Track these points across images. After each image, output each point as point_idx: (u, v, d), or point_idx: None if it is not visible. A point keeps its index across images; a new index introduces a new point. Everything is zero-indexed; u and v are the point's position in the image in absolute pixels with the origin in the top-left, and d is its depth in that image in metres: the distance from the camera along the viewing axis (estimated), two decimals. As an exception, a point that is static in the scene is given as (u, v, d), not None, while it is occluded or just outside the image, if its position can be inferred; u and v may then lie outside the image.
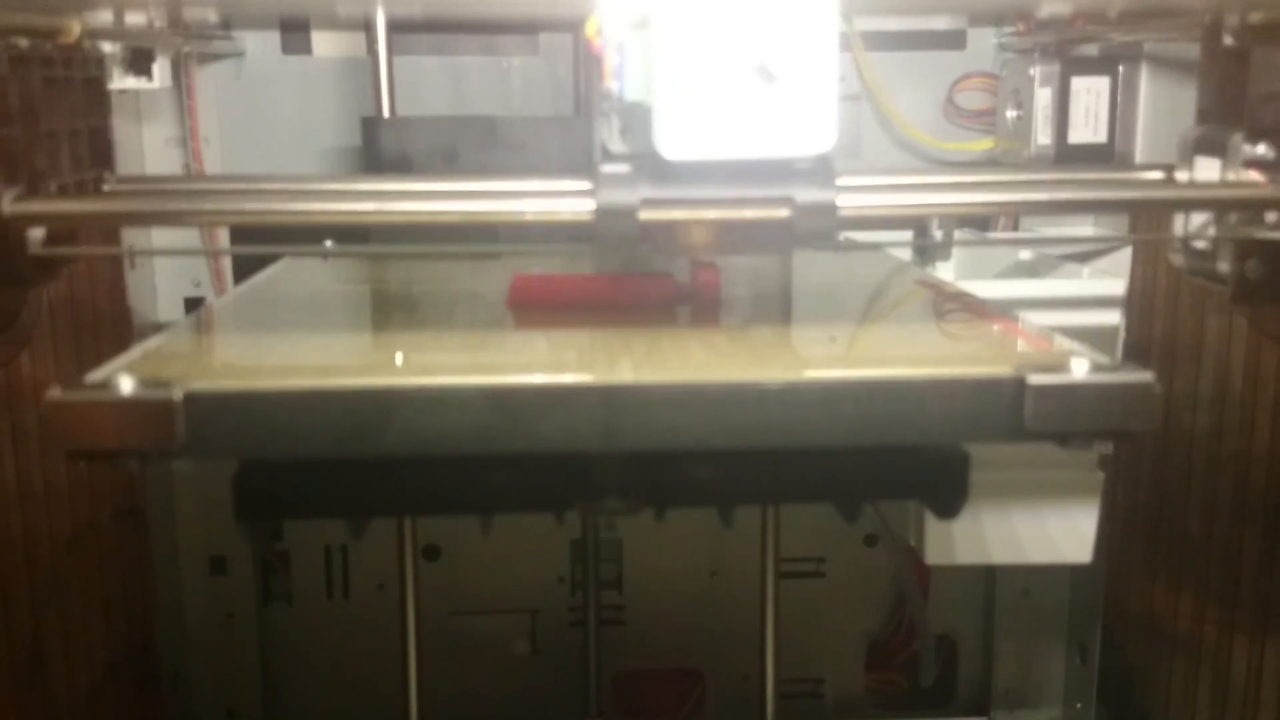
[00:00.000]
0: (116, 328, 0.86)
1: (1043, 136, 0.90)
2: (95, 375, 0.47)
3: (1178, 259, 0.67)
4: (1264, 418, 0.75)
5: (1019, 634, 1.02)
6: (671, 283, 0.65)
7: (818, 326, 0.62)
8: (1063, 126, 0.90)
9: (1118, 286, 0.85)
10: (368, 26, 0.90)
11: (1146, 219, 0.83)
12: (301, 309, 0.69)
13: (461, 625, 0.99)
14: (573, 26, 0.94)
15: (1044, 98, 0.90)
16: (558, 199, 0.55)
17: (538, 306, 0.65)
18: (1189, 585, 0.85)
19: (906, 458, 0.54)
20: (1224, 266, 0.63)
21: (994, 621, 1.02)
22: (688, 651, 1.01)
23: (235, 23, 0.93)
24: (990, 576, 1.02)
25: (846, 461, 0.54)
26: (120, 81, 0.81)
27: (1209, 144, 0.63)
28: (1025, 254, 0.91)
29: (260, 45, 0.94)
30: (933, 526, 0.69)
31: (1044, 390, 0.47)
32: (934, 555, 0.69)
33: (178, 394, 0.45)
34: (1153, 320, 0.89)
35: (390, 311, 0.71)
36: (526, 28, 0.95)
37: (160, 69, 0.84)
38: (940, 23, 0.97)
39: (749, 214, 0.53)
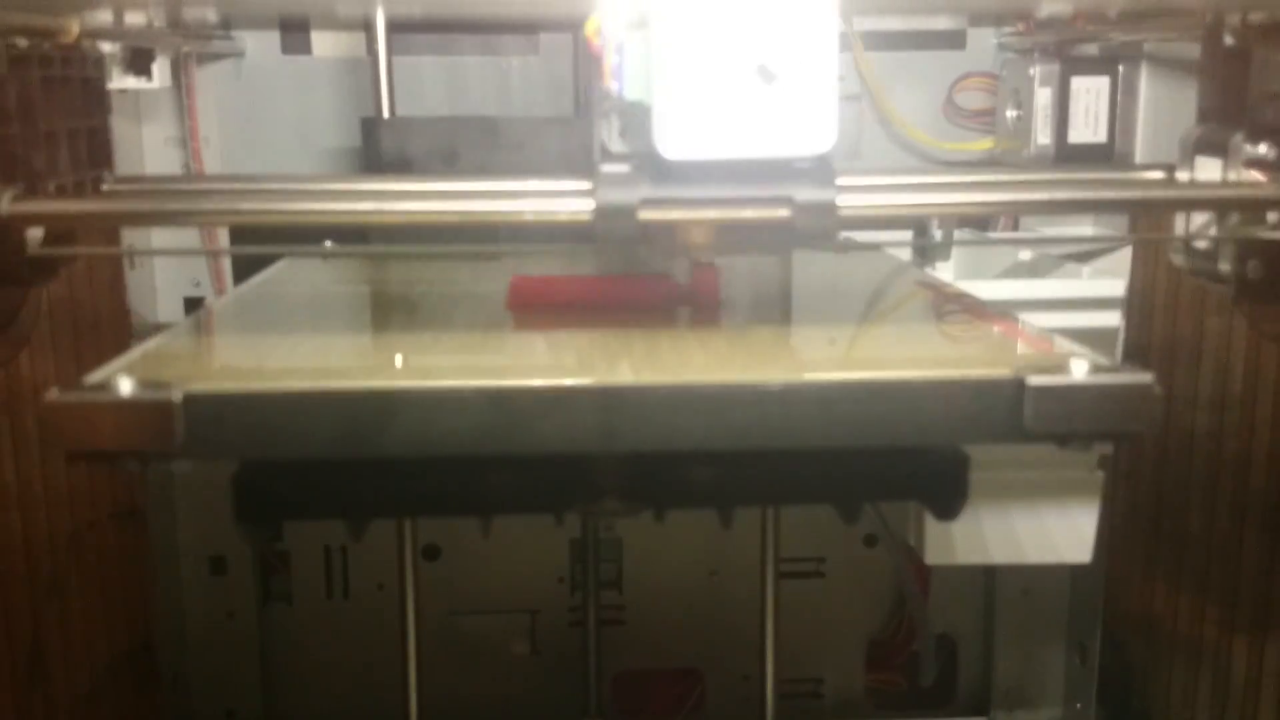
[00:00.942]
0: (116, 328, 0.86)
1: (1043, 136, 0.90)
2: (94, 376, 0.47)
3: (1179, 259, 0.67)
4: (1264, 418, 0.75)
5: (1019, 634, 1.02)
6: (670, 283, 0.65)
7: (817, 327, 0.62)
8: (1063, 126, 0.90)
9: (1118, 286, 0.85)
10: (367, 26, 0.90)
11: (1146, 219, 0.83)
12: (301, 310, 0.69)
13: (461, 625, 0.99)
14: (573, 26, 0.94)
15: (1044, 97, 0.90)
16: (558, 199, 0.55)
17: (537, 307, 0.65)
18: (1189, 585, 0.85)
19: (906, 459, 0.55)
20: (1225, 266, 0.63)
21: (994, 621, 1.02)
22: (688, 651, 1.01)
23: (235, 23, 0.93)
24: (990, 576, 1.02)
25: (846, 463, 0.54)
26: (120, 81, 0.81)
27: (1210, 144, 0.63)
28: (1025, 254, 0.91)
29: (260, 45, 0.94)
30: (932, 526, 0.69)
31: (1043, 391, 0.47)
32: (934, 555, 0.69)
33: (177, 395, 0.45)
34: (1153, 320, 0.89)
35: (389, 312, 0.71)
36: (526, 28, 0.95)
37: (160, 69, 0.84)
38: (940, 23, 0.97)
39: (749, 214, 0.53)
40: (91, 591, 0.82)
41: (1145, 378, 0.48)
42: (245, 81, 0.94)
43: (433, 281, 0.74)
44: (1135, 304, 0.89)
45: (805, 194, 0.52)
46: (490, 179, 0.58)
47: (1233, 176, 0.61)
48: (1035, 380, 0.47)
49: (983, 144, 0.98)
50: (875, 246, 0.85)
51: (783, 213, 0.53)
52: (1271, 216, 0.59)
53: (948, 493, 0.56)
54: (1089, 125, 0.90)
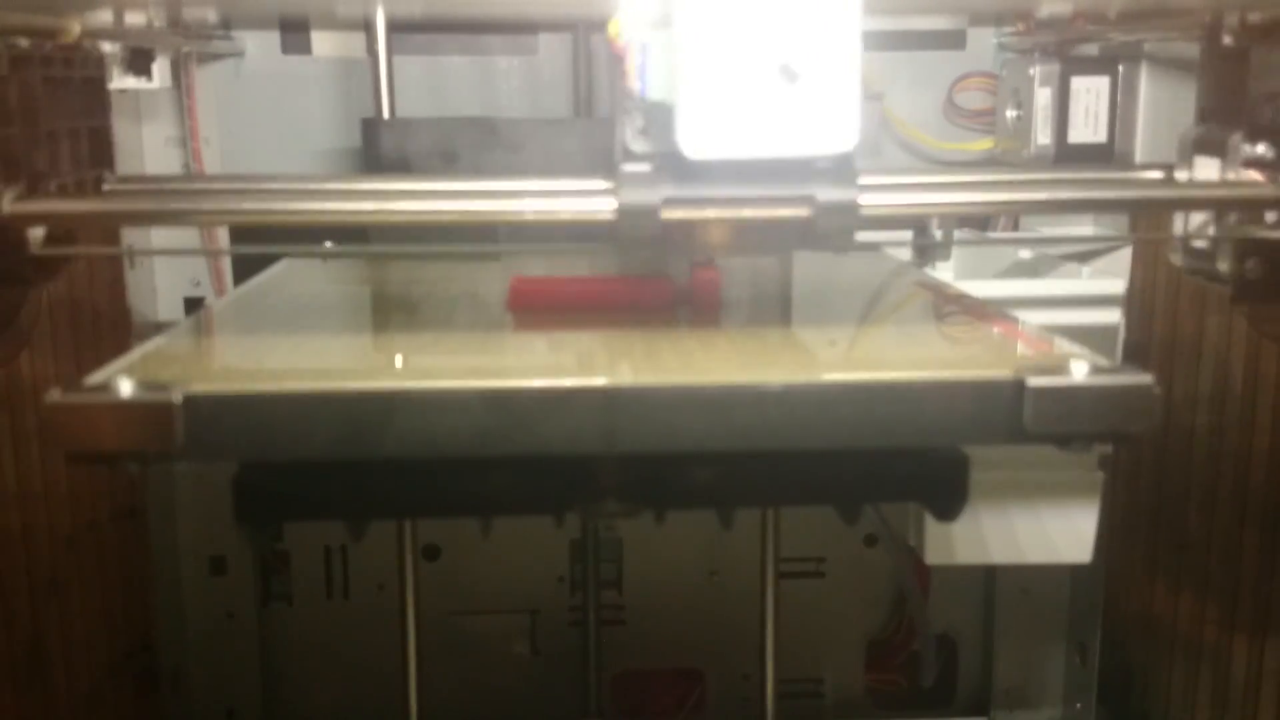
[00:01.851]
0: (116, 327, 0.86)
1: (1042, 136, 0.90)
2: (95, 377, 0.47)
3: (1177, 259, 0.67)
4: (1264, 418, 0.75)
5: (1019, 634, 1.02)
6: (671, 284, 0.65)
7: (817, 328, 0.62)
8: (1062, 126, 0.90)
9: (1117, 286, 0.85)
10: (367, 26, 0.90)
11: (1145, 219, 0.83)
12: (301, 310, 0.69)
13: (461, 625, 0.99)
14: (572, 26, 0.94)
15: (1044, 97, 0.90)
16: (579, 199, 0.55)
17: (537, 308, 0.65)
18: (1189, 585, 0.85)
19: (906, 460, 0.55)
20: (1224, 266, 0.63)
21: (994, 621, 1.02)
22: (688, 651, 1.01)
23: (235, 22, 0.93)
24: (990, 576, 1.02)
25: (846, 464, 0.54)
26: (120, 81, 0.81)
27: (1209, 144, 0.63)
28: (1025, 254, 0.91)
29: (260, 45, 0.94)
30: (933, 526, 0.69)
31: (1043, 392, 0.47)
32: (934, 555, 0.69)
33: (177, 396, 0.45)
34: (1152, 320, 0.89)
35: (390, 313, 0.71)
36: (526, 28, 0.94)
37: (160, 69, 0.84)
38: (940, 22, 0.97)
39: (772, 213, 0.53)
40: (91, 591, 0.82)
41: (1145, 379, 0.48)
42: (245, 81, 0.94)
43: (433, 282, 0.74)
44: (1135, 304, 0.89)
45: (828, 194, 0.52)
46: (509, 179, 0.57)
47: (1231, 176, 0.61)
48: (1035, 381, 0.47)
49: (982, 144, 0.98)
50: (875, 246, 0.85)
51: (806, 212, 0.52)
52: (1270, 216, 0.59)
53: (948, 494, 0.56)
54: (1089, 125, 0.90)
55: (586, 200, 0.54)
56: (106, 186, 0.68)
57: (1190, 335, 0.84)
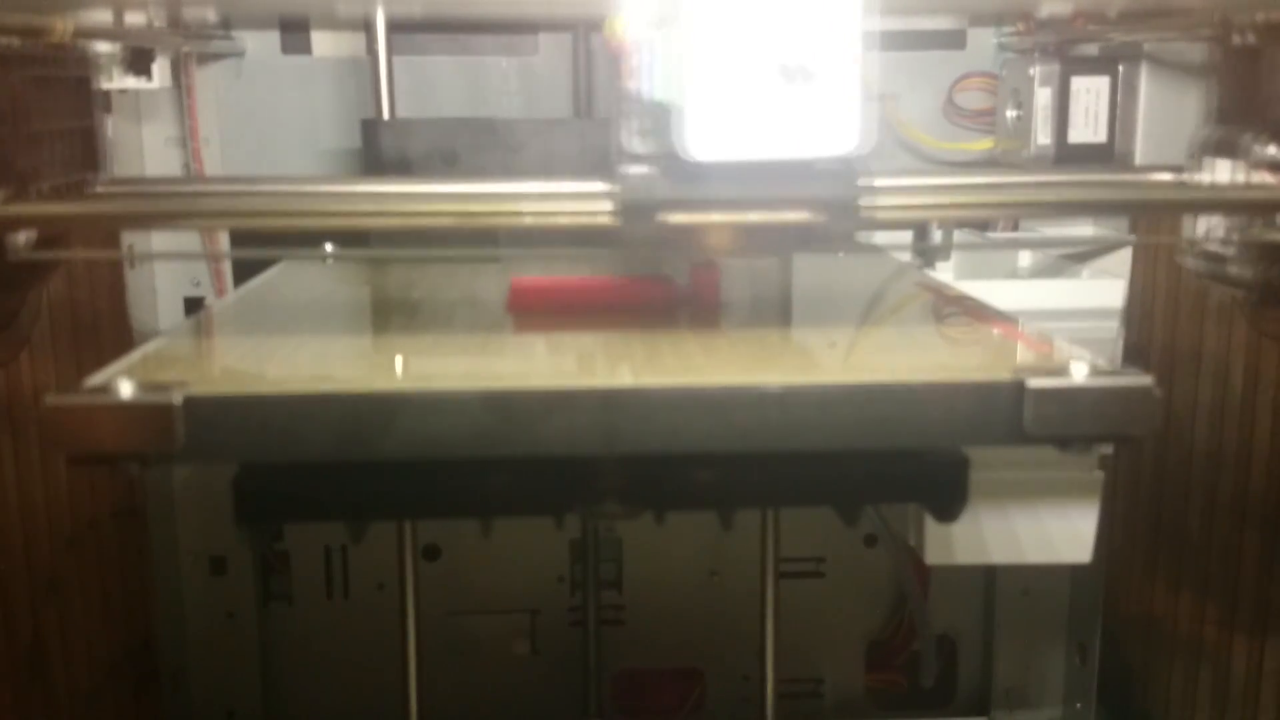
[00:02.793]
0: (116, 327, 0.86)
1: (1043, 136, 0.90)
2: (95, 379, 0.47)
3: (1190, 262, 0.66)
4: (1264, 418, 0.75)
5: (1019, 634, 1.02)
6: (671, 285, 0.65)
7: (817, 329, 0.62)
8: (1063, 126, 0.90)
9: (1118, 288, 0.85)
10: (367, 27, 0.90)
11: (1158, 221, 0.83)
12: (302, 312, 0.69)
13: (461, 625, 0.99)
14: (573, 26, 0.94)
15: (1044, 97, 0.90)
16: (580, 201, 0.54)
17: (537, 310, 0.65)
18: (1189, 585, 0.85)
19: (906, 462, 0.54)
20: (1238, 270, 0.62)
21: (994, 621, 1.02)
22: (688, 651, 1.01)
23: (235, 22, 0.93)
24: (990, 576, 1.02)
25: (846, 465, 0.54)
26: (120, 81, 0.81)
27: (1222, 145, 0.62)
28: (1026, 255, 0.91)
29: (260, 45, 0.94)
30: (932, 527, 0.69)
31: (1043, 394, 0.47)
32: (934, 555, 0.69)
33: (177, 398, 0.45)
34: (1153, 321, 0.89)
35: (390, 315, 0.71)
36: (526, 28, 0.94)
37: (160, 69, 0.84)
38: (940, 22, 0.97)
39: (775, 217, 0.52)
40: (91, 591, 0.82)
41: (1145, 381, 0.48)
42: (245, 81, 0.94)
43: (433, 283, 0.74)
44: (1135, 306, 0.89)
45: (832, 195, 0.52)
46: (508, 181, 0.57)
47: (1245, 178, 0.60)
48: (1035, 383, 0.47)
49: (982, 144, 0.98)
50: (876, 248, 0.85)
51: (810, 215, 0.52)
52: (1284, 220, 0.59)
53: (948, 495, 0.56)
54: (1089, 125, 0.90)
55: (587, 203, 0.54)
56: (97, 189, 0.68)
57: (1190, 336, 0.83)
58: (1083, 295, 0.86)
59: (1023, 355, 0.56)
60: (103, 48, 0.78)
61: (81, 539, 0.80)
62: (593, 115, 0.94)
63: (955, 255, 0.83)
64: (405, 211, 0.56)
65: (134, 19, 0.78)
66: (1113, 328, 0.84)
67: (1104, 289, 0.87)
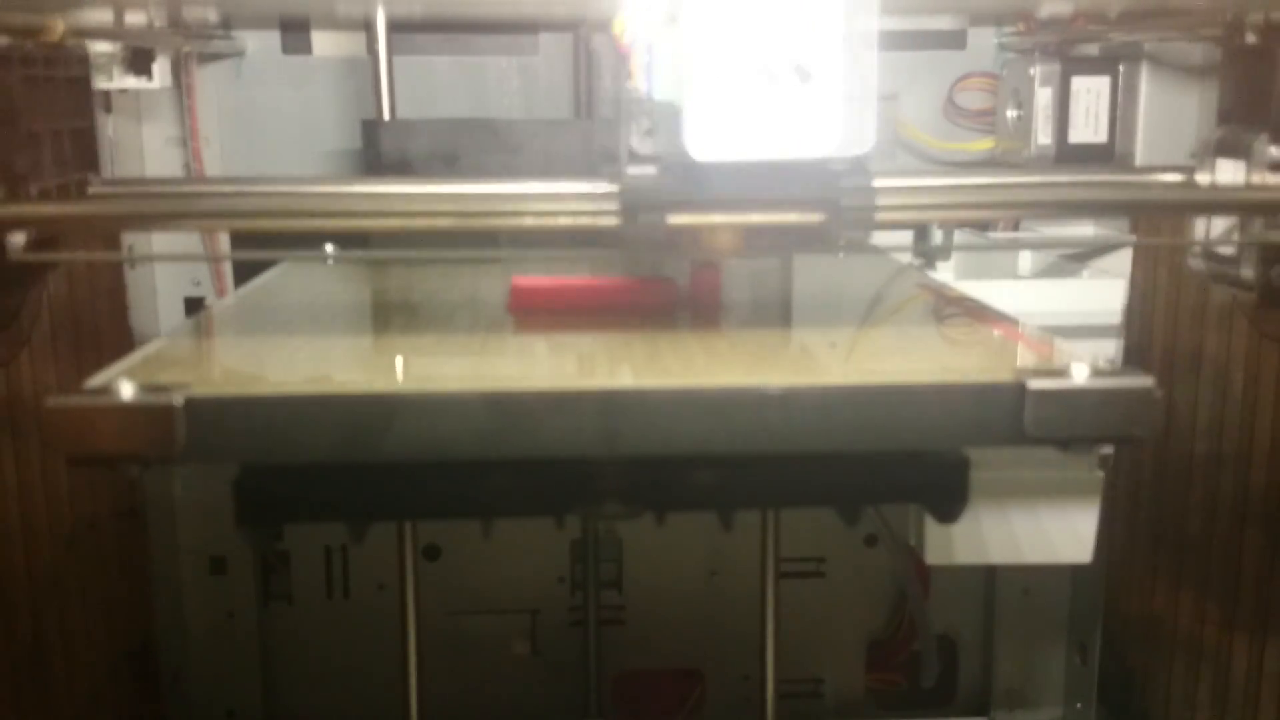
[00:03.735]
0: (116, 328, 0.86)
1: (1043, 136, 0.90)
2: (95, 380, 0.47)
3: (1196, 264, 0.66)
4: (1264, 419, 0.75)
5: (1019, 634, 1.02)
6: (672, 286, 0.65)
7: (818, 331, 0.62)
8: (1063, 126, 0.90)
9: (1118, 288, 0.85)
10: (368, 27, 0.90)
11: (1147, 221, 0.83)
12: (302, 313, 0.69)
13: (461, 625, 0.99)
14: (573, 26, 0.94)
15: (1044, 97, 0.90)
16: (583, 202, 0.54)
17: (538, 310, 0.65)
18: (1189, 586, 0.85)
19: (906, 463, 0.54)
20: (1247, 272, 0.62)
21: (994, 621, 1.02)
22: (688, 651, 1.01)
23: (235, 22, 0.93)
24: (990, 576, 1.02)
25: (847, 466, 0.54)
26: (120, 81, 0.81)
27: (1231, 146, 0.61)
28: (1026, 256, 0.91)
29: (260, 45, 0.94)
30: (933, 527, 0.69)
31: (1044, 395, 0.47)
32: (934, 555, 0.68)
33: (178, 399, 0.45)
34: (1153, 322, 0.89)
35: (391, 315, 0.71)
36: (526, 28, 0.94)
37: (160, 69, 0.84)
38: (940, 22, 0.97)
39: (780, 218, 0.52)
40: (91, 590, 0.82)
41: (1145, 382, 0.48)
42: (245, 81, 0.94)
43: (433, 284, 0.74)
44: (1136, 306, 0.89)
45: (840, 196, 0.52)
46: (510, 182, 0.57)
47: (1255, 179, 0.60)
48: (1035, 384, 0.47)
49: (983, 144, 0.98)
50: (876, 248, 0.85)
51: (817, 216, 0.52)
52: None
53: (948, 496, 0.56)
54: (1089, 125, 0.90)
55: (587, 204, 0.54)
56: (92, 189, 0.67)
57: (1191, 337, 0.83)
58: (1083, 296, 0.86)
59: (1023, 356, 0.56)
60: (103, 47, 0.78)
61: (81, 539, 0.80)
62: (593, 116, 0.94)
63: (956, 256, 0.83)
64: (406, 212, 0.56)
65: (134, 19, 0.78)
66: (1113, 329, 0.84)
67: (1104, 289, 0.87)
